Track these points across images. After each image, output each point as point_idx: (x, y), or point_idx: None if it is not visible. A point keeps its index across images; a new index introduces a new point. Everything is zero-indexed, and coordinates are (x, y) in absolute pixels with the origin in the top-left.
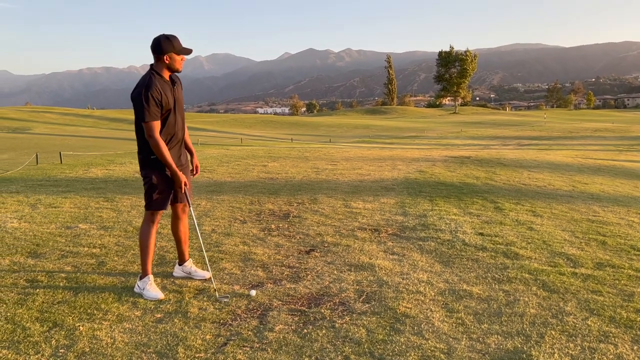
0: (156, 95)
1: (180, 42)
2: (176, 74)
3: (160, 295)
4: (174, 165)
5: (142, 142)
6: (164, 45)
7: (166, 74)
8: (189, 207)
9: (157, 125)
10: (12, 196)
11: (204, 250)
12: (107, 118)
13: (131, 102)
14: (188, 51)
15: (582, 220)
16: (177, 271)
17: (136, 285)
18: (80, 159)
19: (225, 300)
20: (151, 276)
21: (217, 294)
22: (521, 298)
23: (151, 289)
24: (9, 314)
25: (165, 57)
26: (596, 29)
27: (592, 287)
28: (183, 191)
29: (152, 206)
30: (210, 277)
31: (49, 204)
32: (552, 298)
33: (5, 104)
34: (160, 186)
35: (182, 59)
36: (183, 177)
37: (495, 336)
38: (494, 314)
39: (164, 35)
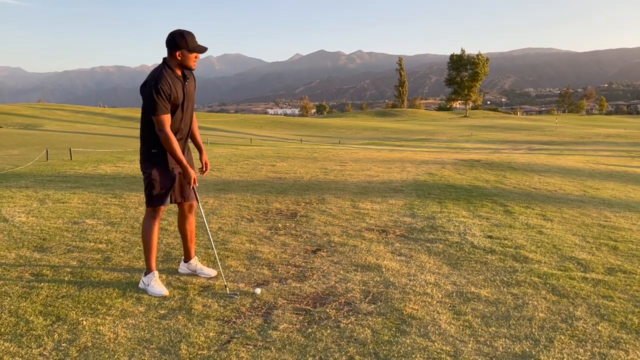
0: (166, 89)
1: (196, 39)
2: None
3: (164, 291)
4: (184, 161)
5: (146, 136)
6: (177, 41)
7: (178, 70)
8: (198, 204)
9: (167, 118)
10: (21, 191)
11: (214, 249)
12: (117, 116)
13: (140, 96)
14: (202, 49)
15: (593, 225)
16: (183, 268)
17: (141, 281)
18: (90, 155)
19: (235, 297)
20: (156, 272)
21: (227, 290)
22: (530, 302)
23: (156, 285)
24: (12, 307)
25: (177, 53)
26: (610, 34)
27: (603, 292)
28: (191, 187)
29: (153, 202)
30: (215, 275)
31: (57, 199)
32: (562, 302)
33: (18, 100)
34: (161, 182)
35: (195, 57)
36: (193, 173)
37: (503, 340)
38: (502, 317)
39: (179, 30)
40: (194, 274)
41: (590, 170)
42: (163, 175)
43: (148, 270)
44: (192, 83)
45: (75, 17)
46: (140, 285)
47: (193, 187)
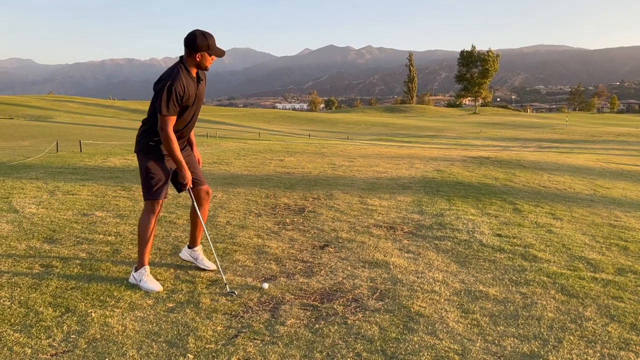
0: (179, 90)
1: (215, 41)
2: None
3: (158, 287)
4: (182, 161)
5: (149, 127)
6: (199, 42)
7: (194, 70)
8: (193, 201)
9: (172, 120)
10: (32, 182)
11: (208, 239)
12: (127, 109)
13: (153, 91)
14: (221, 53)
15: (603, 225)
16: (184, 254)
17: (131, 276)
18: (100, 148)
19: (233, 294)
20: (148, 267)
21: (227, 287)
22: (539, 301)
23: (149, 281)
24: (22, 297)
25: (197, 55)
26: (622, 31)
27: (612, 292)
28: (187, 188)
29: (151, 195)
30: (215, 270)
31: (67, 191)
32: (571, 302)
33: (29, 92)
34: (158, 175)
35: (212, 59)
36: (189, 175)
37: (511, 339)
38: (511, 317)
39: (200, 31)
40: (193, 262)
41: (600, 169)
42: (160, 169)
43: (140, 265)
44: (204, 84)
45: (86, 9)
46: (131, 280)
47: (189, 189)
